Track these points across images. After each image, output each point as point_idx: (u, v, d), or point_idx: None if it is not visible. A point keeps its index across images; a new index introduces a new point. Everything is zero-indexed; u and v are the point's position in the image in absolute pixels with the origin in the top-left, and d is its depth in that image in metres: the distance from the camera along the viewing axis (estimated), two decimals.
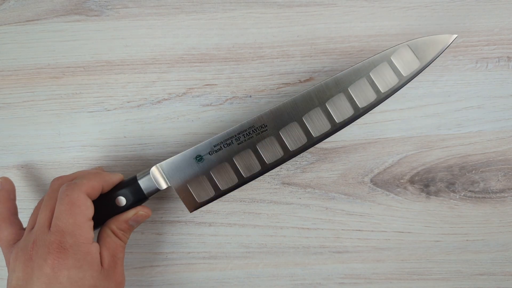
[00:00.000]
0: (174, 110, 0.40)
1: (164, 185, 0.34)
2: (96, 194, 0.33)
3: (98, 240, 0.33)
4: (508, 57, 0.40)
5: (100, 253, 0.32)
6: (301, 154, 0.40)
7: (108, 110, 0.40)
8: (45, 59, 0.40)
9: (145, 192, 0.34)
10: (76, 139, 0.40)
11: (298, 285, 0.40)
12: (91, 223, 0.31)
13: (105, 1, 0.39)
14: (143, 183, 0.34)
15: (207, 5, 0.39)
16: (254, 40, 0.39)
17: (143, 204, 0.35)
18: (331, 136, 0.39)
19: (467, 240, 0.40)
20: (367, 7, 0.39)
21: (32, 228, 0.32)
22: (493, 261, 0.40)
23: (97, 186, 0.32)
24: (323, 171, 0.40)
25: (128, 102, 0.40)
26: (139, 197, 0.34)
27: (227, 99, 0.40)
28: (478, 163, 0.40)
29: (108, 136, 0.40)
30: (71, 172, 0.39)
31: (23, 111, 0.40)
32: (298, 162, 0.40)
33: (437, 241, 0.40)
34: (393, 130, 0.40)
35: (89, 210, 0.31)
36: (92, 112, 0.40)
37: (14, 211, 0.35)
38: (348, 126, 0.39)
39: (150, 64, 0.40)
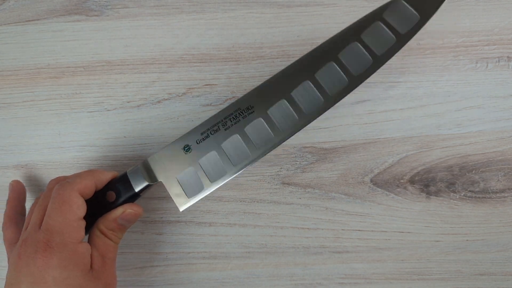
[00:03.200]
0: (174, 110, 0.39)
1: (153, 179, 0.33)
2: (89, 193, 0.32)
3: (89, 240, 0.32)
4: (508, 57, 0.40)
5: (91, 254, 0.31)
6: (301, 154, 0.40)
7: (108, 110, 0.40)
8: (45, 59, 0.39)
9: (134, 187, 0.33)
10: (76, 139, 0.40)
11: (298, 285, 0.40)
12: (82, 223, 0.31)
13: (105, 1, 0.39)
14: (132, 177, 0.33)
15: (207, 5, 0.39)
16: (254, 40, 0.39)
17: (136, 202, 0.34)
18: (331, 136, 0.39)
19: (467, 240, 0.40)
20: (367, 7, 0.39)
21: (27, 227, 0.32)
22: (493, 261, 0.40)
23: (90, 184, 0.32)
24: (323, 171, 0.40)
25: (128, 102, 0.40)
26: (129, 193, 0.33)
27: (227, 99, 0.40)
28: (478, 163, 0.40)
29: (108, 136, 0.40)
30: (71, 172, 0.39)
31: (23, 111, 0.40)
32: (298, 162, 0.40)
33: (437, 241, 0.40)
34: (393, 130, 0.40)
35: (80, 209, 0.30)
36: (92, 112, 0.40)
37: (20, 211, 0.35)
38: (348, 126, 0.40)
39: (150, 64, 0.39)
